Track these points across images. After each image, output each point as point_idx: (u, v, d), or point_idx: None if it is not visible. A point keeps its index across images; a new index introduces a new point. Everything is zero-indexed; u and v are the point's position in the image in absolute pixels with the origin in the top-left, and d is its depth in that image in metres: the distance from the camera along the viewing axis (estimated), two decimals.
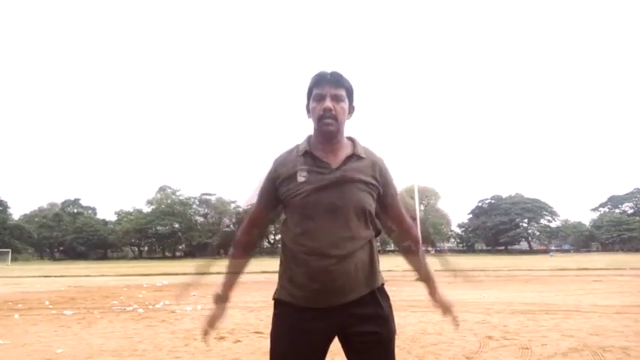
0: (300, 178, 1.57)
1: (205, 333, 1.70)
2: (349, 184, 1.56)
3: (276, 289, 1.63)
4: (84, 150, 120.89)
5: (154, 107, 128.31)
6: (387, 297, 1.64)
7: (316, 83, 1.62)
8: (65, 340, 5.13)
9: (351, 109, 1.67)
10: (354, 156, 1.61)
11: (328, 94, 1.59)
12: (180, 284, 13.62)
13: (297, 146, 1.66)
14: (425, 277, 1.73)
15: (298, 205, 1.56)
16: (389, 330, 1.59)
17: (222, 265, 1.76)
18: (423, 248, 1.77)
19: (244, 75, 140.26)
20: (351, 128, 1.68)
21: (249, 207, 1.72)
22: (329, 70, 1.64)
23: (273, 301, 1.64)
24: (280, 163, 1.65)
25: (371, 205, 1.60)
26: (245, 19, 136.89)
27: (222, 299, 1.70)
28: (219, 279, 1.73)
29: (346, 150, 1.63)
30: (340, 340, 1.60)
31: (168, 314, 7.17)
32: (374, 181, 1.61)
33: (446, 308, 1.71)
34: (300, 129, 1.74)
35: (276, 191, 1.63)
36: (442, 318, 1.73)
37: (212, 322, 1.70)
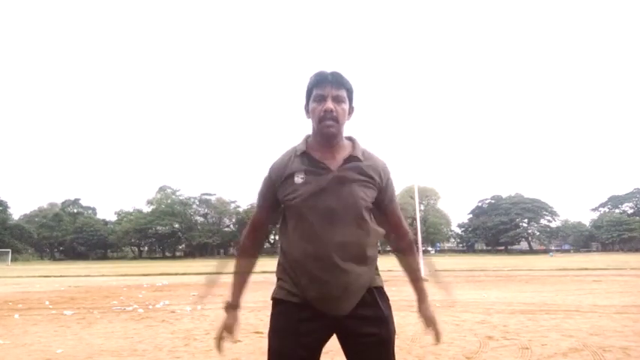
0: (298, 180, 1.55)
1: (220, 340, 1.64)
2: (347, 186, 1.54)
3: (275, 289, 1.63)
4: (84, 150, 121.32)
5: (154, 107, 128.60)
6: (386, 298, 1.63)
7: (317, 83, 1.58)
8: (65, 340, 5.13)
9: (351, 109, 1.64)
10: (353, 157, 1.57)
11: (329, 95, 1.56)
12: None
13: (295, 147, 1.62)
14: (415, 286, 1.69)
15: (296, 208, 1.54)
16: (388, 331, 1.58)
17: (232, 266, 1.73)
18: (422, 249, 1.75)
19: (244, 75, 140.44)
20: (350, 129, 1.66)
21: (250, 209, 1.70)
22: (329, 70, 1.60)
23: (271, 301, 1.63)
24: (279, 165, 1.61)
25: (369, 207, 1.58)
26: (244, 19, 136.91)
27: (232, 307, 1.68)
28: (227, 284, 1.70)
29: (345, 151, 1.60)
30: (340, 341, 1.59)
31: (168, 314, 7.17)
32: (372, 184, 1.58)
33: (429, 323, 1.67)
34: (300, 129, 1.72)
35: (276, 193, 1.61)
36: (425, 330, 1.68)
37: (227, 331, 1.66)
